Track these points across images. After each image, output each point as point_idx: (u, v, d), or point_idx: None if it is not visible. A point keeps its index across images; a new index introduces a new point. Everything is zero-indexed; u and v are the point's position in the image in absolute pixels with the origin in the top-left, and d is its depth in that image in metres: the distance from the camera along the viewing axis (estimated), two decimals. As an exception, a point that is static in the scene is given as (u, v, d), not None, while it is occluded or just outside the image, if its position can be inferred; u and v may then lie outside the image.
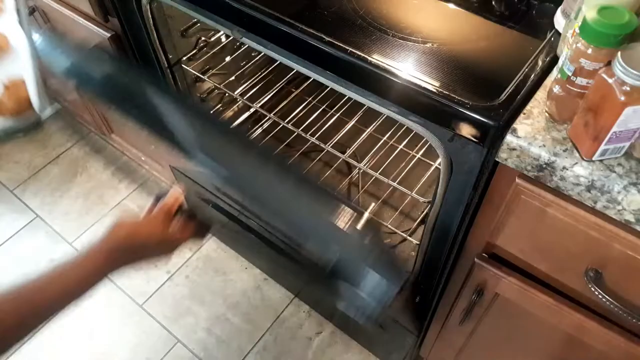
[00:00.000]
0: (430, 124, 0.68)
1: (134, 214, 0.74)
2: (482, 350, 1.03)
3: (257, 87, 1.22)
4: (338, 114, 1.18)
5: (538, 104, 0.64)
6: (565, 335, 0.81)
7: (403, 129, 1.15)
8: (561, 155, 0.59)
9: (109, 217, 1.69)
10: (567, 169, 0.59)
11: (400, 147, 1.12)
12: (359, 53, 0.69)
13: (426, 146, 1.13)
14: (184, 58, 1.10)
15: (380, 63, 0.68)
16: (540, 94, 0.65)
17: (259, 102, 1.15)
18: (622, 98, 0.51)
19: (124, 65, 0.78)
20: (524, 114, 0.63)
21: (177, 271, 1.56)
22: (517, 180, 0.66)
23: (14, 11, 0.65)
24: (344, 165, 1.22)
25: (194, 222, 0.80)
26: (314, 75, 0.77)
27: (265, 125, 1.27)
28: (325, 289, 0.82)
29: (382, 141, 1.14)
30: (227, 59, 1.23)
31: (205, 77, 1.14)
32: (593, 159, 0.58)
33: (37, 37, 0.64)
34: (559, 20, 0.72)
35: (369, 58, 0.68)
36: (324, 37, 0.71)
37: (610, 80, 0.52)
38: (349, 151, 1.05)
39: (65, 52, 0.69)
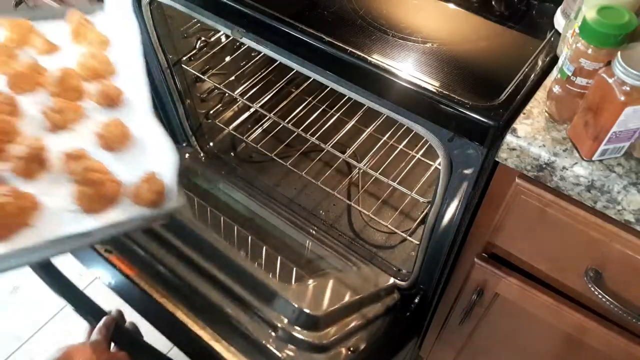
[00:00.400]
0: (430, 124, 0.68)
1: (77, 342, 0.75)
2: (482, 351, 1.03)
3: (257, 87, 1.22)
4: (338, 114, 1.18)
5: (538, 104, 0.64)
6: (565, 335, 0.81)
7: (403, 129, 1.15)
8: (561, 155, 0.59)
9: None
10: (567, 169, 0.59)
11: (400, 147, 1.12)
12: (359, 53, 0.69)
13: (426, 146, 1.13)
14: (184, 58, 1.10)
15: (380, 63, 0.68)
16: (540, 94, 0.65)
17: (259, 102, 1.15)
18: (622, 98, 0.51)
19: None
20: (524, 114, 0.63)
21: (177, 271, 1.56)
22: (517, 180, 0.66)
23: (144, 103, 0.66)
24: (344, 165, 1.22)
25: (130, 347, 0.79)
26: (314, 75, 0.77)
27: (265, 125, 1.27)
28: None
29: (382, 141, 1.14)
30: (227, 59, 1.23)
31: (205, 77, 1.14)
32: (593, 159, 0.58)
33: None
34: (559, 20, 0.72)
35: (369, 58, 0.68)
36: (324, 37, 0.71)
37: (610, 80, 0.52)
38: (349, 151, 1.05)
39: None
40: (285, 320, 0.77)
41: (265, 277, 0.81)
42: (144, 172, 0.58)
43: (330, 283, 0.88)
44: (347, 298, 0.85)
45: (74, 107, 0.64)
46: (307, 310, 0.76)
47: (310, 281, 0.88)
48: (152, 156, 0.61)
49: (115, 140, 0.62)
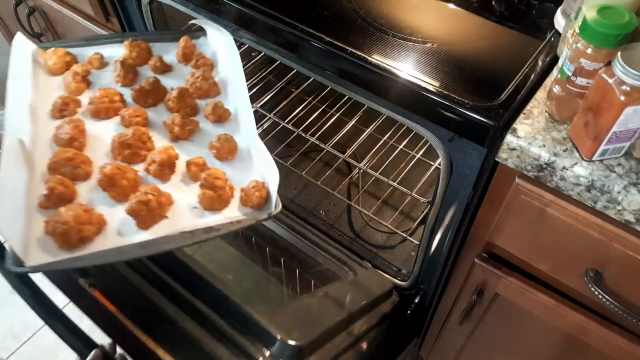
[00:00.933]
0: (430, 124, 0.68)
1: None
2: (482, 351, 1.03)
3: (257, 87, 1.21)
4: (338, 114, 1.18)
5: (538, 104, 0.64)
6: (565, 335, 0.81)
7: (403, 129, 1.15)
8: (561, 155, 0.59)
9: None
10: (567, 169, 0.59)
11: (400, 147, 1.12)
12: (359, 53, 0.69)
13: (426, 146, 1.13)
14: (184, 58, 1.10)
15: (380, 63, 0.68)
16: (540, 94, 0.65)
17: (259, 102, 1.15)
18: (622, 98, 0.51)
19: None
20: (524, 114, 0.63)
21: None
22: (517, 180, 0.66)
23: (248, 121, 0.76)
24: (344, 165, 1.22)
25: None
26: (313, 76, 0.77)
27: (265, 125, 1.27)
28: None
29: (382, 141, 1.14)
30: (227, 59, 1.23)
31: (205, 77, 1.14)
32: (593, 159, 0.58)
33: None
34: (559, 21, 0.72)
35: (369, 58, 0.68)
36: (324, 37, 0.71)
37: (610, 80, 0.52)
38: (349, 151, 1.05)
39: None
40: (267, 353, 0.75)
41: (249, 307, 0.77)
42: (253, 180, 0.69)
43: (323, 300, 0.85)
44: (340, 315, 0.82)
45: (191, 122, 0.76)
46: (291, 342, 0.73)
47: (301, 303, 0.86)
48: (258, 168, 0.72)
49: (226, 152, 0.73)
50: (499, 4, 0.79)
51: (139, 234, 0.63)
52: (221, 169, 0.71)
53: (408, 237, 1.04)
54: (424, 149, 1.13)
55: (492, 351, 1.01)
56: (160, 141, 0.74)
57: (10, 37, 1.61)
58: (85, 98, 0.78)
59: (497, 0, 0.80)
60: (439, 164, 0.72)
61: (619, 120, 0.53)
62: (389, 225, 1.06)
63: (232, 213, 0.67)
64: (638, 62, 0.50)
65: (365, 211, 1.09)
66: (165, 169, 0.69)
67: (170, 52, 0.88)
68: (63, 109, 0.75)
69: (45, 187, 0.64)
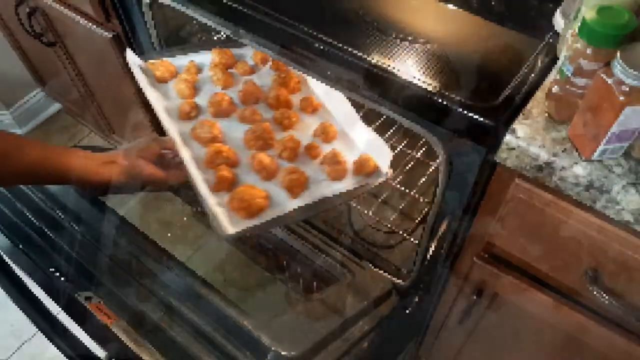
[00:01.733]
0: (430, 124, 0.68)
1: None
2: (482, 350, 1.03)
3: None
4: (338, 114, 1.18)
5: (537, 104, 0.64)
6: (565, 335, 0.81)
7: (403, 129, 1.16)
8: (560, 155, 0.59)
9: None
10: (566, 169, 0.59)
11: (400, 147, 1.12)
12: (359, 53, 0.69)
13: (426, 146, 1.13)
14: (185, 58, 1.10)
15: (381, 63, 0.68)
16: (540, 94, 0.65)
17: (259, 102, 1.15)
18: (622, 98, 0.51)
19: None
20: (523, 114, 0.63)
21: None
22: (517, 180, 0.66)
23: (341, 107, 0.97)
24: (344, 165, 1.22)
25: None
26: (313, 75, 0.77)
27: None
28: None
29: (382, 141, 1.14)
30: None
31: (205, 78, 1.14)
32: (592, 159, 0.58)
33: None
34: (558, 21, 0.72)
35: (369, 58, 0.68)
36: (324, 37, 0.71)
37: (609, 81, 0.52)
38: (349, 151, 1.05)
39: None
40: None
41: (243, 318, 0.76)
42: (362, 154, 0.89)
43: (319, 306, 0.85)
44: (337, 320, 0.82)
45: (295, 115, 0.95)
46: (284, 353, 0.71)
47: (296, 311, 0.85)
48: (359, 143, 0.92)
49: (331, 136, 0.93)
50: (499, 4, 0.79)
51: (293, 202, 0.82)
52: (329, 148, 0.90)
53: (408, 236, 1.04)
54: (424, 149, 1.13)
55: (491, 351, 1.01)
56: (274, 132, 0.91)
57: (10, 37, 1.61)
58: (199, 100, 0.95)
59: (497, 0, 0.80)
60: (439, 164, 0.73)
61: (618, 120, 0.53)
62: (389, 225, 1.06)
63: (351, 180, 0.86)
64: (637, 62, 0.50)
65: (365, 211, 1.09)
66: (293, 153, 0.88)
67: (246, 56, 1.05)
68: (189, 112, 0.92)
69: (216, 176, 0.82)
